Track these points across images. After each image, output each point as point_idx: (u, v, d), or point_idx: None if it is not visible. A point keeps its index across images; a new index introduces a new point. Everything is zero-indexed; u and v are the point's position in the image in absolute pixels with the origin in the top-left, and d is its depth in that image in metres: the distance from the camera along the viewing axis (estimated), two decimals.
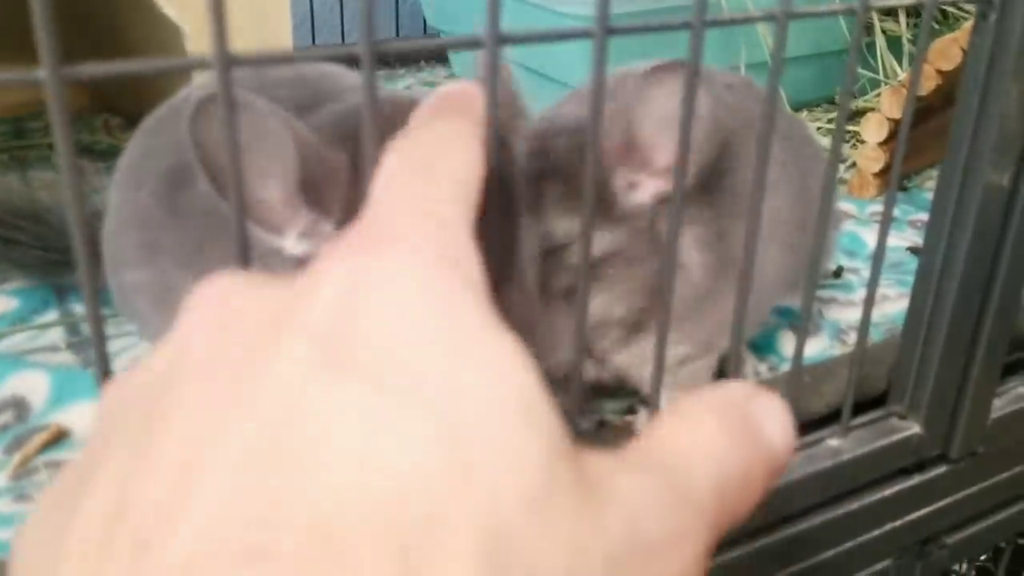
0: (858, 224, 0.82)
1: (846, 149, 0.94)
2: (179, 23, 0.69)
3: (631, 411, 0.54)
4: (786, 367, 0.58)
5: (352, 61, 0.25)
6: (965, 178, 0.41)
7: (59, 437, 0.50)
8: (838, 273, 0.72)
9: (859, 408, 0.46)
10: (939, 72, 0.78)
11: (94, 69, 0.21)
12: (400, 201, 0.21)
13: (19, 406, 0.52)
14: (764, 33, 0.95)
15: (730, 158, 0.51)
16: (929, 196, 0.44)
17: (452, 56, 1.20)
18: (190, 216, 0.48)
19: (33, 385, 0.54)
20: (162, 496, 0.15)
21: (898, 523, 0.48)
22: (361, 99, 0.24)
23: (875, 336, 0.62)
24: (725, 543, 0.42)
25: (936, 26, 1.02)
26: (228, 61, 0.23)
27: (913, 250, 0.77)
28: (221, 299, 0.20)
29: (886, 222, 0.39)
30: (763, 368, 0.59)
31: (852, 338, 0.60)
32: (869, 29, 1.02)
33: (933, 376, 0.45)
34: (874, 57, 1.02)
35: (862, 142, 0.86)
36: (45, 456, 0.48)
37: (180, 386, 0.17)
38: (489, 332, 0.18)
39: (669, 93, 0.43)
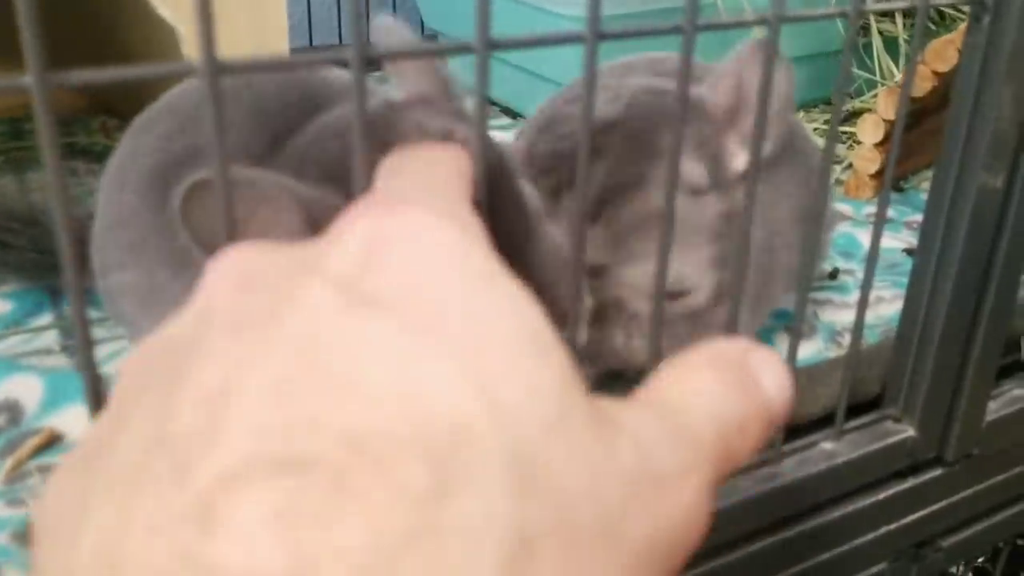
0: (854, 225, 0.82)
1: (842, 150, 0.94)
2: (174, 25, 0.69)
3: None
4: None
5: (343, 65, 0.25)
6: (959, 180, 0.41)
7: (52, 441, 0.49)
8: (834, 275, 0.71)
9: (853, 411, 0.46)
10: (935, 73, 0.78)
11: (81, 76, 0.21)
12: (405, 179, 0.23)
13: (12, 410, 0.52)
14: (759, 36, 0.95)
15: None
16: (926, 197, 0.44)
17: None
18: (166, 218, 0.48)
19: (26, 388, 0.54)
20: (199, 422, 0.16)
21: (893, 526, 0.48)
22: (349, 105, 0.24)
23: (871, 338, 0.62)
24: (721, 547, 0.42)
25: (933, 27, 1.02)
26: (216, 68, 0.22)
27: (909, 251, 0.77)
28: (242, 260, 0.20)
29: (879, 223, 0.39)
30: None
31: (847, 340, 0.60)
32: (866, 30, 1.02)
33: (928, 378, 0.45)
34: (871, 58, 1.02)
35: (858, 143, 0.86)
36: (38, 460, 0.48)
37: (209, 336, 0.18)
38: (498, 276, 0.19)
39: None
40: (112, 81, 0.22)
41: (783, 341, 0.61)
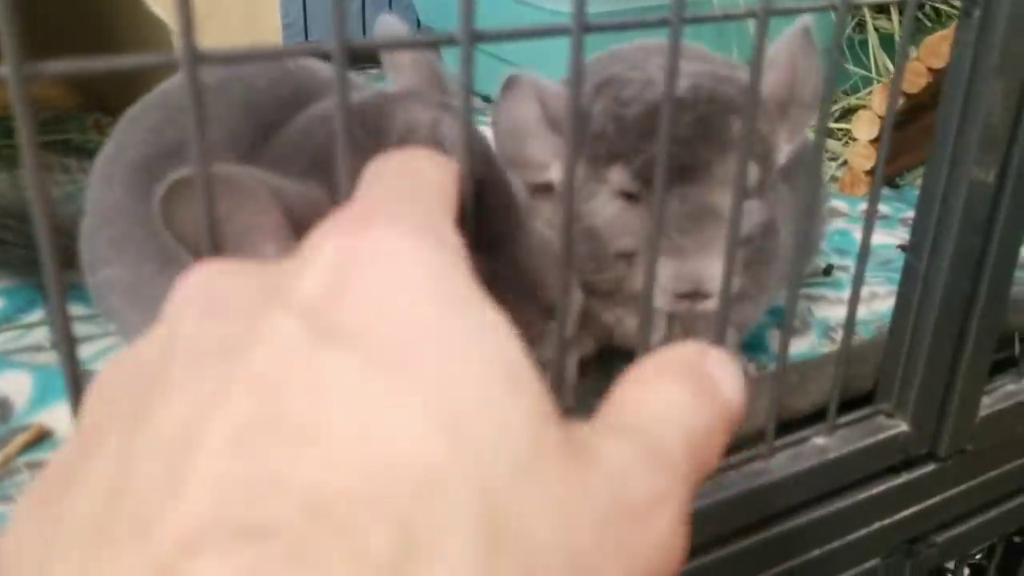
0: (849, 222, 0.82)
1: (837, 147, 0.94)
2: (166, 20, 0.69)
3: None
4: (774, 365, 0.58)
5: (324, 57, 0.24)
6: (950, 175, 0.41)
7: (41, 437, 0.49)
8: (828, 271, 0.71)
9: (846, 406, 0.46)
10: (930, 70, 0.78)
11: (58, 66, 0.21)
12: (386, 189, 0.22)
13: (2, 406, 0.52)
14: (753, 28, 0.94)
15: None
16: None
17: (445, 51, 1.20)
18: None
19: (16, 385, 0.54)
20: (159, 473, 0.16)
21: (886, 522, 0.48)
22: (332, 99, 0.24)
23: (864, 334, 0.62)
24: (712, 542, 0.42)
25: (928, 24, 1.02)
26: (196, 59, 0.22)
27: (903, 248, 0.77)
28: (208, 283, 0.20)
29: (871, 219, 0.39)
30: (751, 367, 0.59)
31: (841, 336, 0.60)
32: (862, 26, 1.02)
33: (920, 374, 0.45)
34: (866, 55, 1.01)
35: (854, 140, 0.86)
36: (27, 457, 0.48)
37: (171, 368, 0.17)
38: (472, 305, 0.18)
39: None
40: (89, 72, 0.21)
41: (777, 337, 0.61)
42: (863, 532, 0.48)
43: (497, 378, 0.17)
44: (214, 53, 0.23)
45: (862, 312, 0.64)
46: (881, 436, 0.46)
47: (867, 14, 1.01)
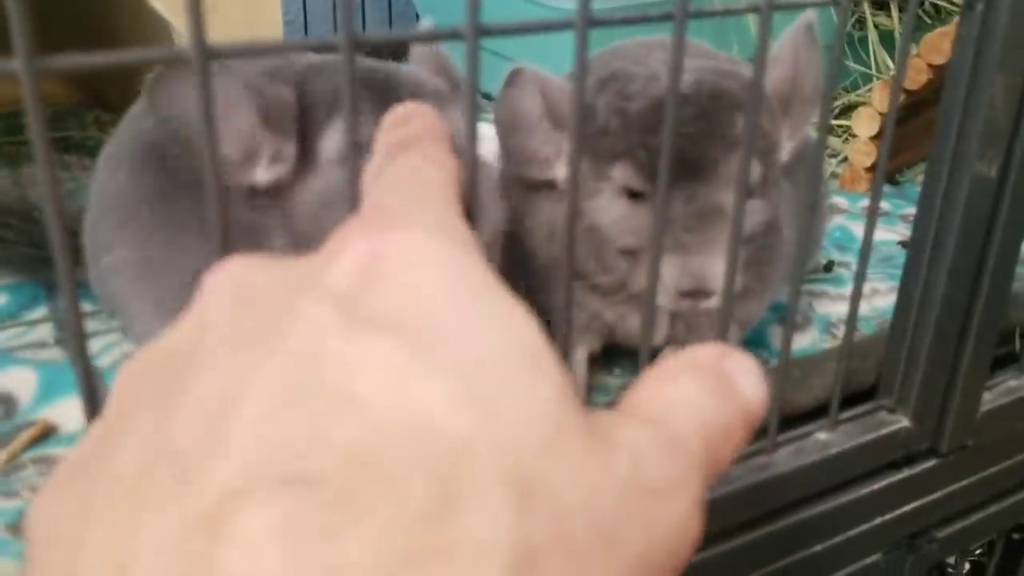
0: (850, 218, 0.82)
1: (838, 144, 0.94)
2: (168, 18, 0.69)
3: None
4: (776, 361, 0.58)
5: (332, 50, 0.25)
6: (952, 170, 0.41)
7: (47, 433, 0.49)
8: (829, 267, 0.72)
9: (848, 402, 0.46)
10: (931, 66, 0.78)
11: (69, 60, 0.21)
12: (397, 195, 0.23)
13: (7, 402, 0.52)
14: (754, 25, 0.95)
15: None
16: None
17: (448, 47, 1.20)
18: (166, 185, 0.50)
19: (21, 381, 0.54)
20: (200, 435, 0.16)
21: (887, 517, 0.48)
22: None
23: (866, 330, 0.62)
24: (715, 536, 0.42)
25: (928, 20, 1.02)
26: (206, 54, 0.22)
27: (904, 244, 0.77)
28: (239, 275, 0.20)
29: (873, 215, 0.39)
30: None
31: (842, 331, 0.60)
32: (862, 23, 1.02)
33: (922, 369, 0.45)
34: (867, 51, 1.02)
35: (854, 136, 0.86)
36: (32, 452, 0.48)
37: (206, 349, 0.18)
38: (492, 293, 0.19)
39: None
40: (100, 67, 0.22)
41: (779, 333, 0.61)
42: (865, 527, 0.48)
43: (521, 363, 0.17)
44: (225, 48, 0.23)
45: (863, 308, 0.64)
46: (883, 431, 0.46)
47: (867, 11, 1.01)
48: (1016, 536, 0.74)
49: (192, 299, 0.20)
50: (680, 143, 0.45)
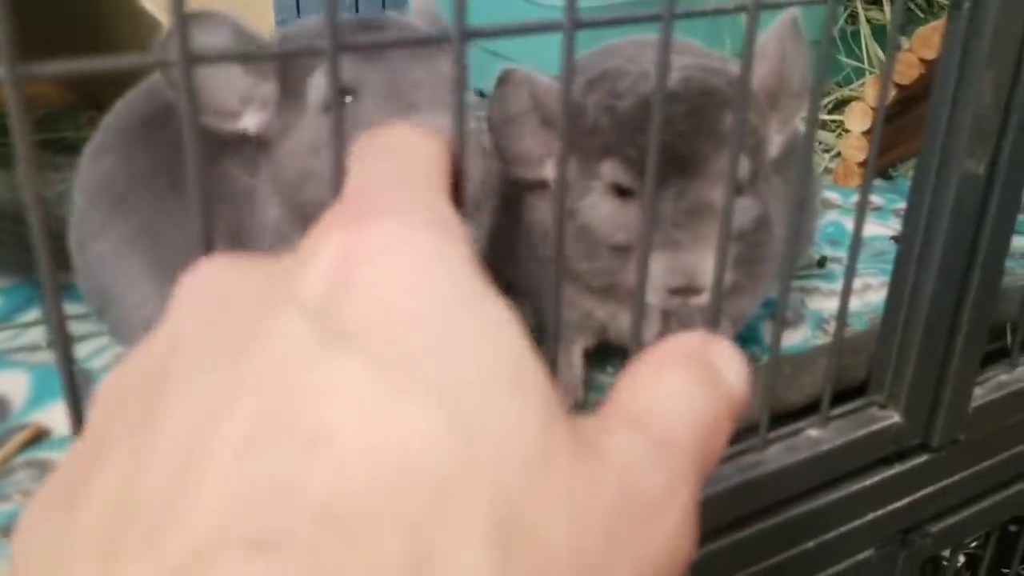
0: (842, 213, 0.82)
1: (830, 138, 0.95)
2: (159, 17, 0.69)
3: None
4: (768, 357, 0.58)
5: (319, 53, 0.25)
6: (941, 167, 0.41)
7: (39, 436, 0.49)
8: (822, 263, 0.72)
9: (839, 398, 0.46)
10: (922, 61, 0.78)
11: (53, 67, 0.21)
12: (377, 177, 0.21)
13: None
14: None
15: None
16: None
17: None
18: (160, 157, 0.52)
19: (13, 384, 0.54)
20: (167, 484, 0.15)
21: (880, 512, 0.49)
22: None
23: (858, 325, 0.62)
24: (708, 534, 0.42)
25: (921, 15, 1.02)
26: (190, 59, 0.22)
27: (896, 239, 0.77)
28: (211, 280, 0.20)
29: (862, 210, 0.39)
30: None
31: (834, 327, 0.60)
32: (854, 18, 1.02)
33: (913, 365, 0.46)
34: (859, 46, 1.02)
35: (846, 131, 0.86)
36: (25, 456, 0.48)
37: (176, 372, 0.17)
38: (479, 300, 0.18)
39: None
40: (84, 72, 0.22)
41: (770, 329, 0.61)
42: (857, 523, 0.48)
43: (505, 377, 0.17)
44: (208, 53, 0.23)
45: (855, 304, 0.64)
46: (874, 427, 0.46)
47: (859, 5, 1.01)
48: (1012, 527, 0.75)
49: (184, 269, 0.20)
50: (669, 140, 0.45)
